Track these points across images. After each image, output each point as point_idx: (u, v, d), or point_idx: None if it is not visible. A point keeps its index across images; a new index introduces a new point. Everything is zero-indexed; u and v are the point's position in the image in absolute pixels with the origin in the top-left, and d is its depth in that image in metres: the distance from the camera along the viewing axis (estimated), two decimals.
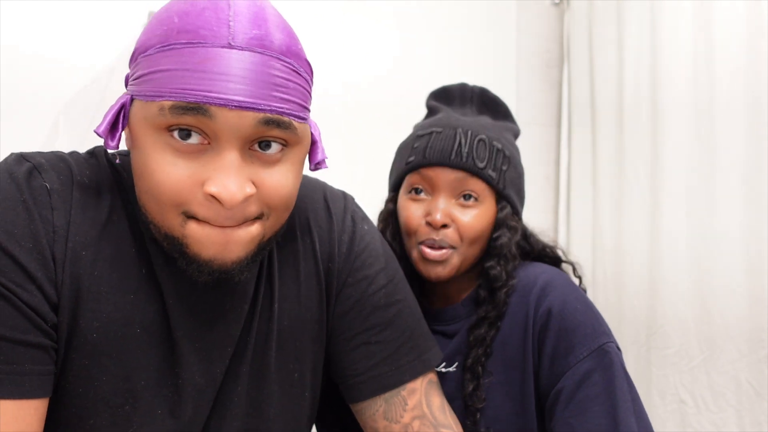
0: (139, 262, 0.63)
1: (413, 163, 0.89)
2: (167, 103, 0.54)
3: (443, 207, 0.86)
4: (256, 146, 0.58)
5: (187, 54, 0.54)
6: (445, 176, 0.86)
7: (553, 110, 2.05)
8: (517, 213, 0.93)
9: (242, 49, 0.55)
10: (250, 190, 0.57)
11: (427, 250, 0.86)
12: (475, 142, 0.88)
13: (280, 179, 0.60)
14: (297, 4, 1.59)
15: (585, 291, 0.91)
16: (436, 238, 0.86)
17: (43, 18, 1.34)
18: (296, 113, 0.59)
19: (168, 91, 0.54)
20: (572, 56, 1.98)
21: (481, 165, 0.87)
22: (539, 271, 0.88)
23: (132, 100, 0.59)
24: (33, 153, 0.62)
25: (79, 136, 1.28)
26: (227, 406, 0.68)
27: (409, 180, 0.90)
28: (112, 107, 0.59)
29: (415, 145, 0.91)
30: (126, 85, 0.62)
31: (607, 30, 1.80)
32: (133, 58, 0.60)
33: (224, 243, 0.58)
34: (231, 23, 0.55)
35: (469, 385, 0.83)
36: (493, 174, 0.88)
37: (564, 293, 0.83)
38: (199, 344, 0.65)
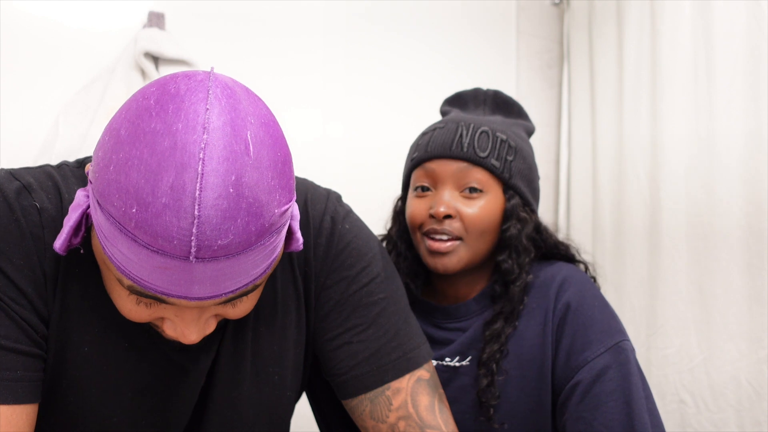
0: None
1: (416, 158, 0.90)
2: (126, 281, 0.52)
3: (447, 199, 0.85)
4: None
5: (145, 254, 0.48)
6: (447, 168, 0.86)
7: (553, 110, 2.05)
8: (528, 204, 0.91)
9: (205, 262, 0.48)
10: (210, 328, 0.59)
11: (432, 242, 0.86)
12: (477, 133, 0.87)
13: (246, 308, 0.61)
14: (305, 3, 1.59)
15: (599, 289, 0.91)
16: (438, 228, 0.85)
17: (42, 18, 1.34)
18: (264, 275, 0.56)
19: (127, 273, 0.51)
20: (572, 56, 1.98)
21: (482, 154, 0.86)
22: (557, 269, 0.88)
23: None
24: (21, 171, 0.62)
25: (79, 136, 1.28)
26: (206, 411, 0.71)
27: (414, 177, 0.91)
28: (70, 215, 0.54)
29: (419, 143, 0.92)
30: (87, 173, 0.56)
31: (607, 30, 1.80)
32: (93, 173, 0.51)
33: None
34: (193, 241, 0.46)
35: (484, 380, 0.83)
36: (497, 163, 0.86)
37: (582, 289, 0.84)
38: (181, 358, 0.68)
